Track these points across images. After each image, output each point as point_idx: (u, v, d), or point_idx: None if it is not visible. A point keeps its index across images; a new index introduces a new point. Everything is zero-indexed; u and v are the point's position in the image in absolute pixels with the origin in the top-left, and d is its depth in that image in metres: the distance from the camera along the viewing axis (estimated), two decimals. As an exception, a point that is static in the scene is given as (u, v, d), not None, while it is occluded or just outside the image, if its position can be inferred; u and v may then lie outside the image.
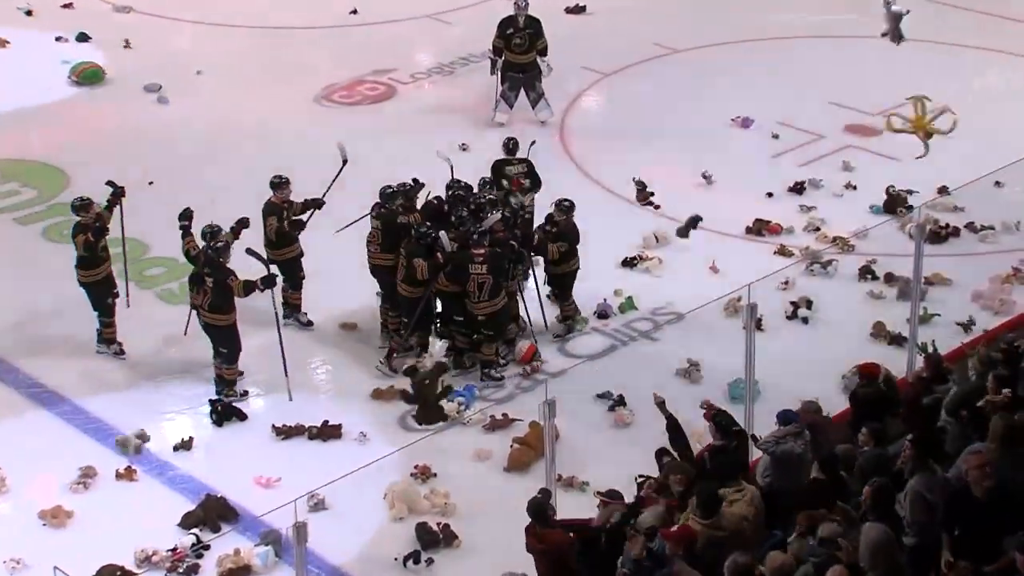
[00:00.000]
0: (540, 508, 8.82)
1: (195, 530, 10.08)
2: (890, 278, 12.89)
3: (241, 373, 11.62)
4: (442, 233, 11.66)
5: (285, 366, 11.49)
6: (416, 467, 10.68)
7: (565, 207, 12.20)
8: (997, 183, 14.28)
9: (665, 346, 12.18)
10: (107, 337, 12.14)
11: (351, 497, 10.07)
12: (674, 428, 9.45)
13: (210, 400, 11.46)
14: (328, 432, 11.11)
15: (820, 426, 9.49)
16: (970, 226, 13.75)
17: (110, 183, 12.44)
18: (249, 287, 11.27)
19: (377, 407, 11.49)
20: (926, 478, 8.23)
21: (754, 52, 18.45)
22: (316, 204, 12.46)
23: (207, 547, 9.82)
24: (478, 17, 19.95)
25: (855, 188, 14.73)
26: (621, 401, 11.35)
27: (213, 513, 10.21)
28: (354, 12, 20.22)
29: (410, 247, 11.64)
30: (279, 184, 12.32)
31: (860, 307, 12.60)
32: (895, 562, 7.73)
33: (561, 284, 12.30)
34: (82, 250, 11.91)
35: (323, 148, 15.99)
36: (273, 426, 11.21)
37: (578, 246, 12.23)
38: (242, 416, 11.37)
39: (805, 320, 12.44)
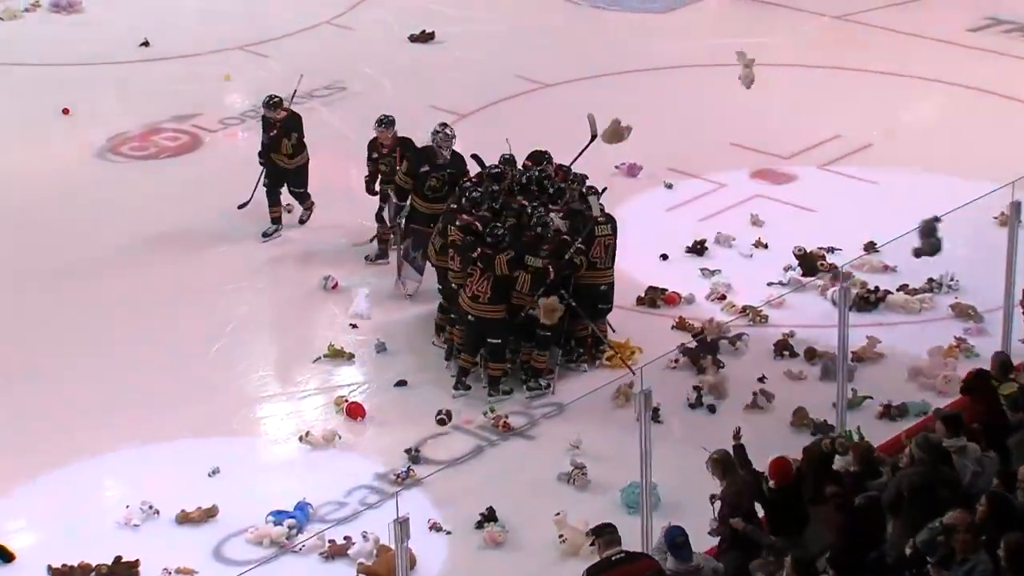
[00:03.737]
0: None
1: None
2: (812, 354, 13.09)
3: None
4: (552, 215, 12.65)
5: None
6: (238, 608, 10.49)
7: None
8: (933, 236, 14.67)
9: (543, 445, 12.17)
10: None
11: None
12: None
13: (-30, 535, 11.13)
14: (123, 569, 10.86)
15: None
16: (904, 288, 14.06)
17: None
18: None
19: (186, 533, 11.29)
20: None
21: (639, 86, 18.77)
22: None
23: None
24: (301, 47, 20.06)
25: (766, 247, 14.99)
26: (491, 516, 11.29)
27: None
28: (145, 44, 20.13)
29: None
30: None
31: (777, 390, 12.74)
32: None
33: None
34: None
35: (112, 212, 15.88)
36: (50, 567, 10.92)
37: None
38: (8, 556, 11.04)
39: (712, 408, 12.55)
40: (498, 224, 12.57)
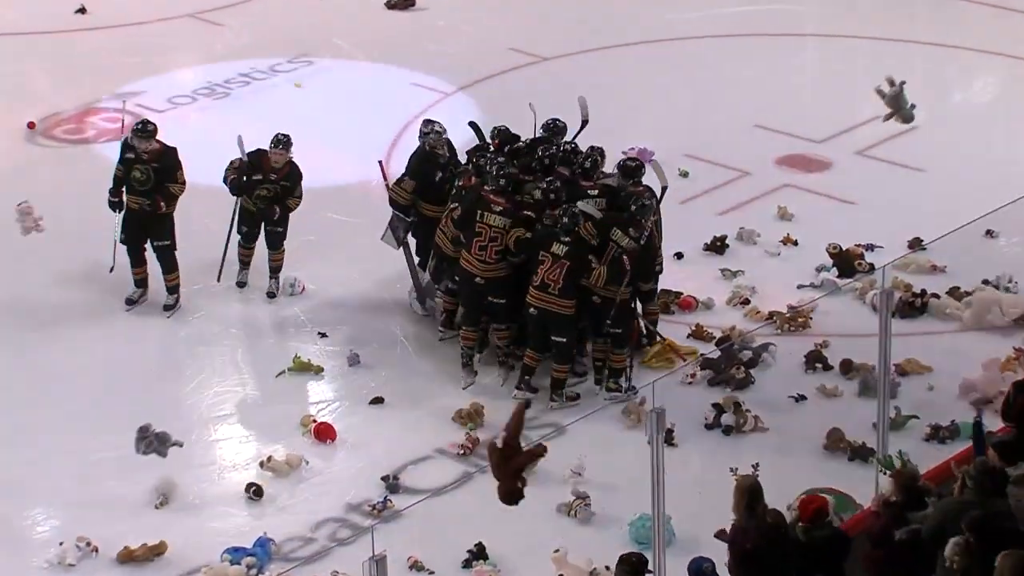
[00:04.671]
0: None
1: None
2: (848, 367, 13.13)
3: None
4: (579, 204, 12.70)
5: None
6: (190, 658, 10.55)
7: None
8: (989, 232, 14.71)
9: (540, 472, 12.12)
10: None
11: None
12: None
13: None
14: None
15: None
16: (954, 292, 14.10)
17: None
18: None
19: (128, 574, 11.27)
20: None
21: (649, 60, 18.82)
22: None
23: None
24: (261, 14, 20.08)
25: (795, 243, 15.04)
26: (481, 553, 11.32)
27: None
28: (82, 11, 20.19)
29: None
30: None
31: (808, 409, 12.80)
32: None
33: None
34: None
35: (43, 203, 15.89)
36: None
37: None
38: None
39: (727, 430, 12.56)
40: (572, 206, 12.65)
